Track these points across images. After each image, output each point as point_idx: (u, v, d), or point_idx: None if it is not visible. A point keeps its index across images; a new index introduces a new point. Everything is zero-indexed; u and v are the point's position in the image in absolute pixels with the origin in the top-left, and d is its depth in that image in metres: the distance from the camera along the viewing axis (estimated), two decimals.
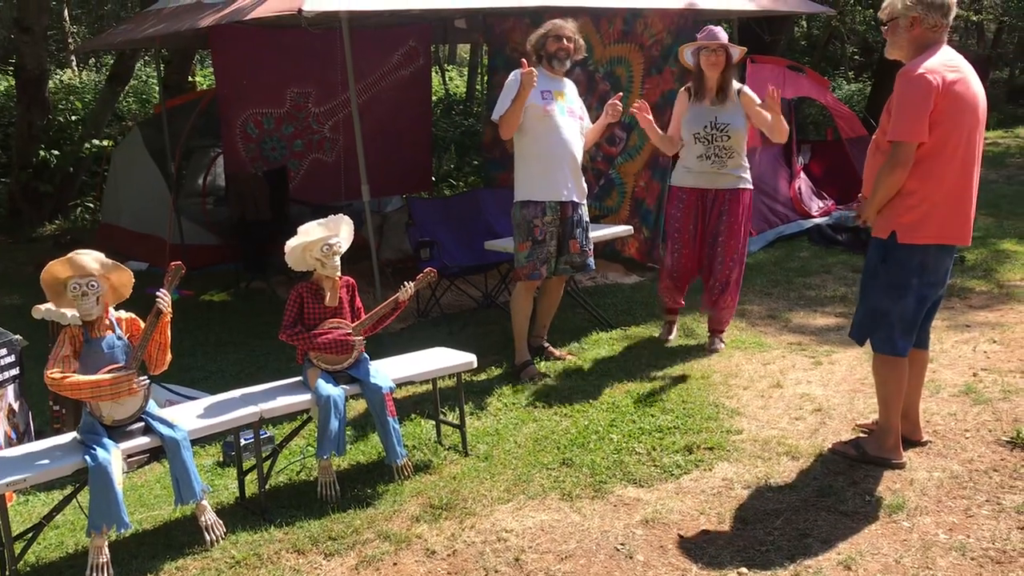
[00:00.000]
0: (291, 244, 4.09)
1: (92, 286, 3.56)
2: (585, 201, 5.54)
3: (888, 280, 3.86)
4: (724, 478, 4.05)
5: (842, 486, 3.89)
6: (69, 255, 3.58)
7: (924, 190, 3.73)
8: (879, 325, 3.92)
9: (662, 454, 4.30)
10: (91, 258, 3.59)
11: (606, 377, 5.41)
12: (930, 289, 3.89)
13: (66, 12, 21.32)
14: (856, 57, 20.37)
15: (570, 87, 5.52)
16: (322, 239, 4.08)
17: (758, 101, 5.50)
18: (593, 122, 5.65)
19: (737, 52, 5.54)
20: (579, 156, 5.45)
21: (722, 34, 5.51)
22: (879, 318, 3.91)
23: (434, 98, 13.48)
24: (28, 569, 3.64)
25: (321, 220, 4.13)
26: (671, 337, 6.02)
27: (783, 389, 5.08)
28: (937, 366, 5.15)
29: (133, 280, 3.72)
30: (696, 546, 3.51)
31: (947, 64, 3.69)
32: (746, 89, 5.63)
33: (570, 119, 5.40)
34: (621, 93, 5.67)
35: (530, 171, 5.35)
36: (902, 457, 4.04)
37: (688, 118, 5.60)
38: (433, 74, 12.56)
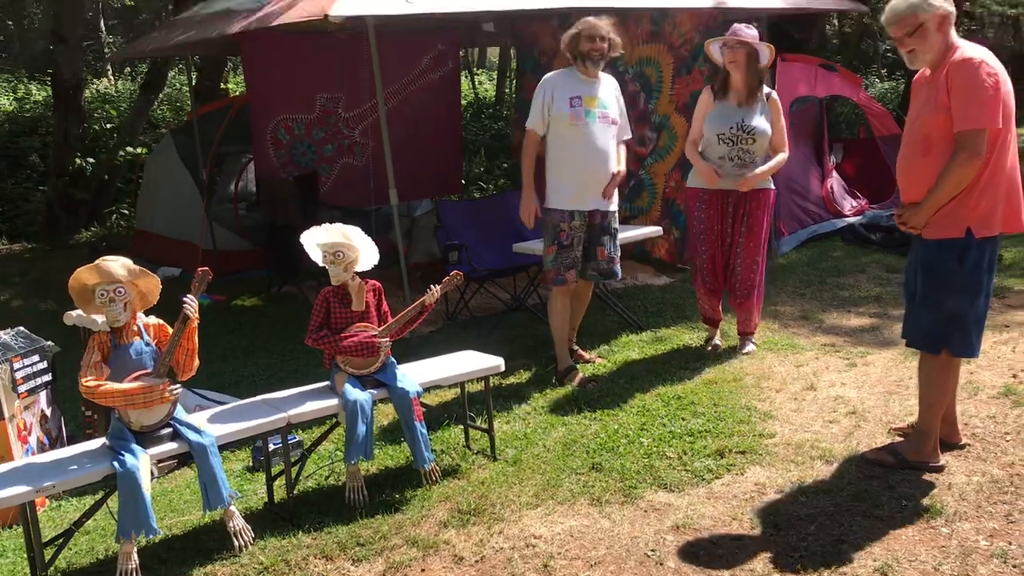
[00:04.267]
0: (304, 241, 4.10)
1: (119, 292, 3.58)
2: (615, 207, 5.46)
3: (965, 280, 3.73)
4: (756, 483, 3.98)
5: (878, 490, 3.81)
6: (96, 262, 3.60)
7: (991, 179, 3.65)
8: (956, 328, 3.79)
9: (693, 458, 4.24)
10: (118, 264, 3.61)
11: (636, 380, 5.35)
12: (992, 283, 3.80)
13: (102, 22, 21.66)
14: (889, 55, 20.12)
15: (605, 88, 5.33)
16: (322, 244, 4.07)
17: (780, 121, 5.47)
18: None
19: (766, 53, 5.42)
20: (612, 164, 5.30)
21: (747, 32, 5.36)
22: (956, 322, 3.78)
23: (463, 102, 13.49)
24: (59, 574, 3.66)
25: (324, 226, 4.12)
26: (717, 344, 5.83)
27: (816, 391, 5.00)
28: (975, 367, 5.04)
29: (160, 286, 3.74)
30: (728, 552, 3.45)
31: (987, 52, 3.64)
32: (774, 95, 5.54)
33: (602, 125, 5.24)
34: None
35: (559, 179, 5.25)
36: (941, 460, 3.96)
37: (713, 116, 5.47)
38: (462, 78, 12.58)
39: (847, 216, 9.09)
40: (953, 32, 3.71)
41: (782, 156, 5.50)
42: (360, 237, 4.16)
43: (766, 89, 5.51)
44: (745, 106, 5.41)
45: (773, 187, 5.59)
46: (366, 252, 4.16)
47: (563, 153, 5.22)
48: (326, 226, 4.14)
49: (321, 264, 4.14)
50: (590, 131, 5.20)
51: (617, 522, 3.73)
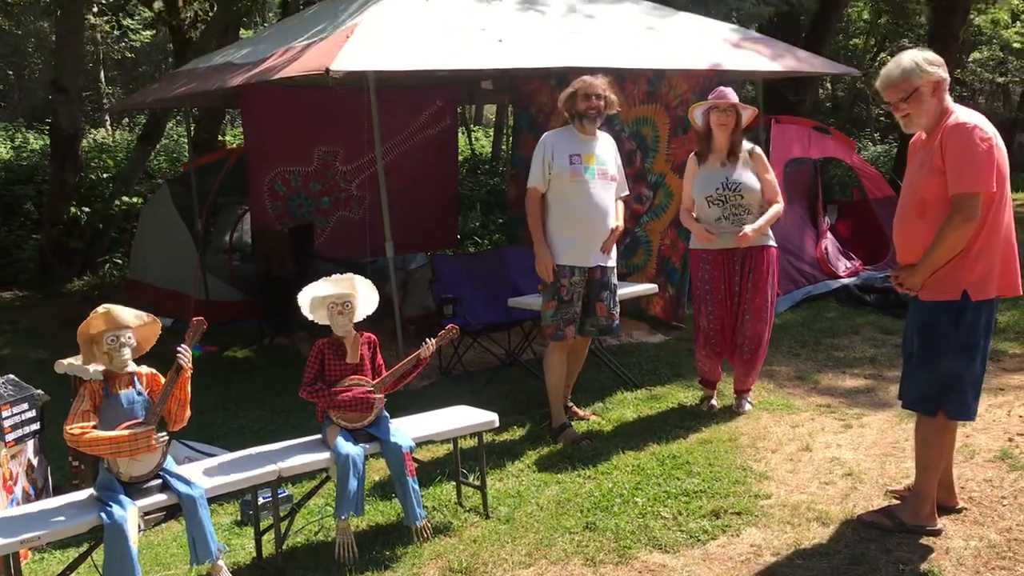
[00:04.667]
0: (301, 297, 4.09)
1: (128, 338, 3.60)
2: (614, 263, 5.48)
3: (961, 343, 3.73)
4: (752, 544, 3.93)
5: (875, 554, 3.76)
6: (106, 308, 3.60)
7: (987, 242, 3.67)
8: (952, 391, 3.78)
9: (688, 519, 4.19)
10: (129, 312, 3.64)
11: (631, 438, 5.31)
12: (989, 346, 3.80)
13: (102, 73, 21.88)
14: (882, 119, 20.42)
15: (603, 145, 5.39)
16: (329, 296, 4.06)
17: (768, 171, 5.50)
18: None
19: (747, 113, 5.50)
20: (611, 220, 5.33)
21: (732, 94, 5.48)
22: (952, 384, 3.77)
23: (460, 158, 13.60)
24: None
25: (333, 277, 4.12)
26: (713, 405, 5.79)
27: (812, 452, 4.96)
28: (971, 430, 5.02)
29: (159, 333, 3.73)
30: None
31: (981, 117, 3.68)
32: (757, 149, 5.59)
33: (601, 182, 5.28)
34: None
35: (560, 235, 5.26)
36: (938, 524, 3.91)
37: (699, 180, 5.51)
38: (459, 134, 12.69)
39: (842, 277, 9.12)
40: (948, 97, 3.76)
41: (777, 207, 5.52)
42: (364, 283, 4.17)
43: (747, 145, 5.56)
44: (728, 165, 5.46)
45: (775, 244, 5.60)
46: (366, 299, 4.16)
47: (564, 210, 5.24)
48: (335, 277, 4.13)
49: (323, 322, 4.12)
50: (590, 188, 5.23)
51: None
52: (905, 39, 19.24)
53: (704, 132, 5.56)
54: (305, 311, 4.11)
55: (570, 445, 5.23)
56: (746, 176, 5.45)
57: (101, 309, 3.60)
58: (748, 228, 5.35)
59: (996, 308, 3.83)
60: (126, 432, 3.52)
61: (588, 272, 5.30)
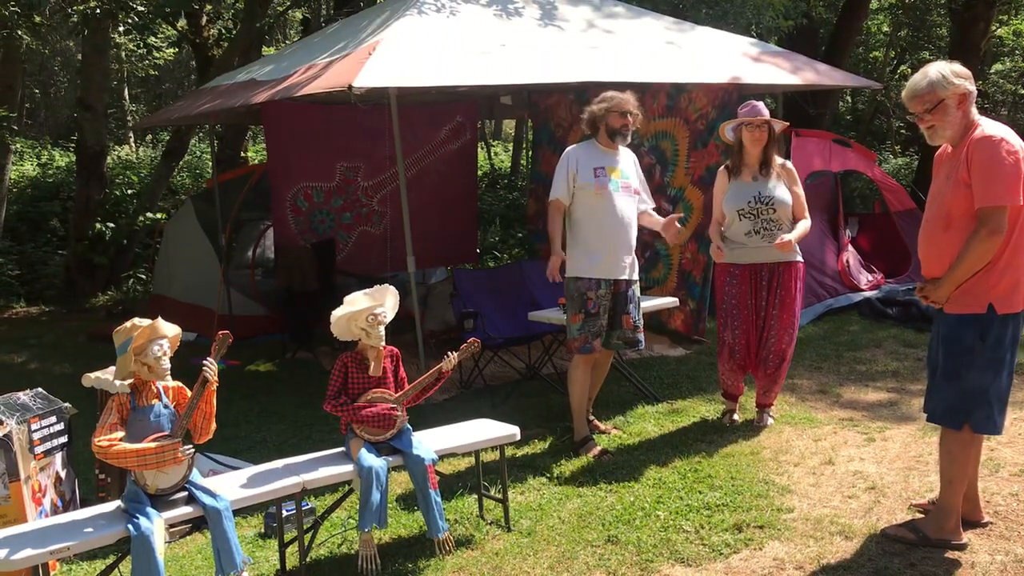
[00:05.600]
0: (337, 314, 4.12)
1: (168, 349, 3.70)
2: (637, 276, 5.49)
3: (987, 356, 3.72)
4: (775, 558, 3.92)
5: (899, 568, 3.74)
6: (148, 320, 3.69)
7: (1013, 255, 3.65)
8: (978, 405, 3.76)
9: (711, 532, 4.19)
10: (166, 323, 3.73)
11: (652, 452, 5.31)
12: (1015, 360, 3.78)
13: (126, 91, 22.13)
14: (902, 131, 20.33)
15: (625, 159, 5.43)
16: (367, 308, 4.10)
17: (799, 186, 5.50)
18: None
19: (779, 127, 5.52)
20: (634, 232, 5.37)
21: (764, 109, 5.48)
22: (978, 397, 3.75)
23: (480, 172, 13.66)
24: None
25: (367, 290, 4.16)
26: (735, 420, 5.79)
27: (835, 466, 4.94)
28: (996, 444, 4.98)
29: (177, 344, 3.79)
30: None
31: (1007, 130, 3.67)
32: (789, 164, 5.60)
33: (625, 195, 5.32)
34: (681, 214, 5.60)
35: (585, 248, 5.27)
36: (963, 538, 3.89)
37: (730, 195, 5.52)
38: (479, 149, 12.76)
39: (863, 290, 9.09)
40: (974, 110, 3.74)
41: (806, 222, 5.52)
42: (393, 292, 4.22)
43: (779, 159, 5.57)
44: (761, 179, 5.47)
45: (802, 259, 5.59)
46: (392, 309, 4.22)
47: (589, 222, 5.27)
48: (375, 288, 4.17)
49: (346, 338, 4.15)
50: (614, 200, 5.26)
51: None
52: (926, 51, 19.15)
53: (736, 147, 5.57)
54: (338, 330, 4.14)
55: (592, 458, 5.24)
56: (779, 190, 5.45)
57: (139, 321, 3.67)
58: (789, 236, 5.32)
59: (1022, 321, 3.81)
60: (153, 444, 3.56)
61: (613, 284, 5.31)
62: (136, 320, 3.69)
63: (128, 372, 3.67)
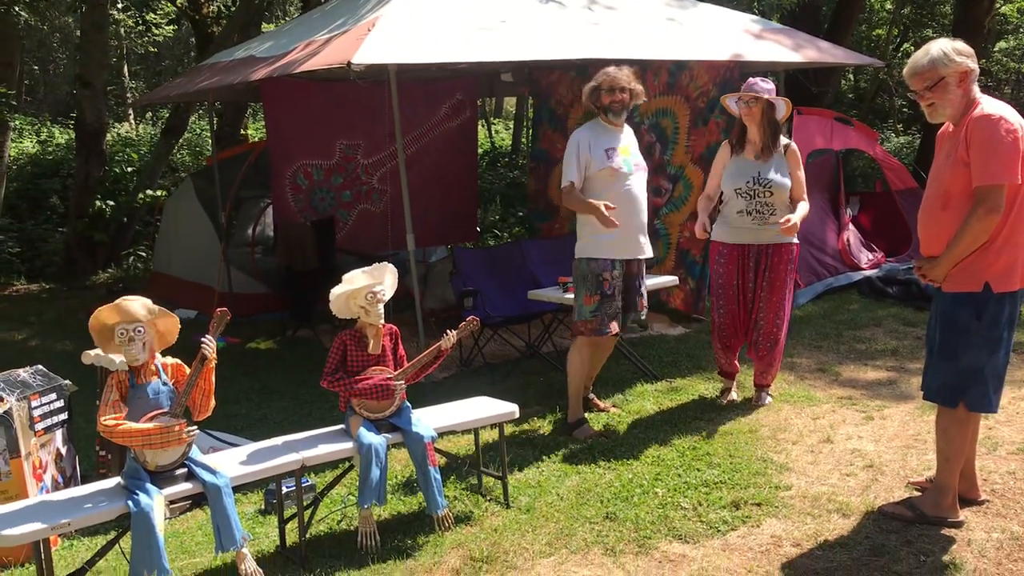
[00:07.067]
0: (336, 292, 4.12)
1: (138, 332, 3.62)
2: (648, 255, 5.44)
3: (984, 334, 3.72)
4: (772, 535, 3.94)
5: (895, 545, 3.76)
6: (116, 301, 3.63)
7: (1011, 234, 3.65)
8: (973, 383, 3.77)
9: (708, 509, 4.21)
10: (138, 304, 3.65)
11: (651, 430, 5.32)
12: (1012, 338, 3.78)
13: (125, 68, 22.05)
14: (905, 110, 20.24)
15: (628, 136, 5.37)
16: (366, 287, 4.10)
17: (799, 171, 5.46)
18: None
19: (782, 106, 5.45)
20: (645, 210, 5.34)
21: (762, 85, 5.37)
22: (973, 375, 3.76)
23: (480, 150, 13.61)
24: None
25: (366, 268, 4.15)
26: (732, 398, 5.80)
27: (833, 444, 4.95)
28: (993, 422, 5.00)
29: (179, 326, 3.77)
30: None
31: (1007, 108, 3.65)
32: (793, 146, 5.55)
33: (638, 173, 5.28)
34: None
35: (600, 229, 5.12)
36: (959, 516, 3.91)
37: (730, 171, 5.49)
38: (479, 127, 12.71)
39: (864, 269, 9.08)
40: (975, 88, 3.71)
41: (805, 204, 5.46)
42: (391, 270, 4.21)
43: (784, 140, 5.52)
44: (762, 159, 5.43)
45: (796, 242, 5.57)
46: (390, 286, 4.21)
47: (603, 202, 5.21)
48: (374, 267, 4.16)
49: (344, 316, 4.15)
50: (628, 180, 5.22)
51: (631, 573, 3.69)
52: (929, 29, 19.04)
53: (739, 122, 5.52)
54: (336, 307, 4.14)
55: (585, 441, 5.24)
56: (778, 173, 5.40)
57: (113, 303, 3.63)
58: (795, 217, 5.26)
59: (1020, 300, 3.81)
60: (158, 424, 3.57)
61: (626, 265, 5.30)
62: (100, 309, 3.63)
63: (107, 352, 3.67)
